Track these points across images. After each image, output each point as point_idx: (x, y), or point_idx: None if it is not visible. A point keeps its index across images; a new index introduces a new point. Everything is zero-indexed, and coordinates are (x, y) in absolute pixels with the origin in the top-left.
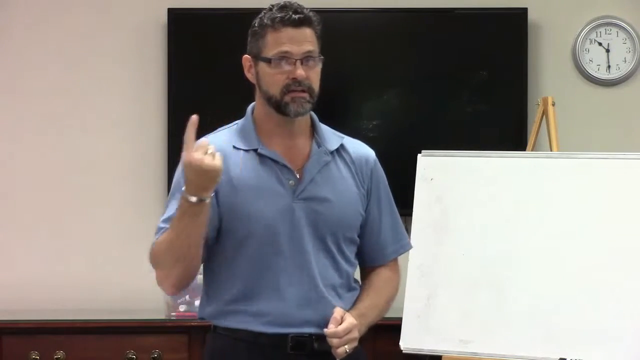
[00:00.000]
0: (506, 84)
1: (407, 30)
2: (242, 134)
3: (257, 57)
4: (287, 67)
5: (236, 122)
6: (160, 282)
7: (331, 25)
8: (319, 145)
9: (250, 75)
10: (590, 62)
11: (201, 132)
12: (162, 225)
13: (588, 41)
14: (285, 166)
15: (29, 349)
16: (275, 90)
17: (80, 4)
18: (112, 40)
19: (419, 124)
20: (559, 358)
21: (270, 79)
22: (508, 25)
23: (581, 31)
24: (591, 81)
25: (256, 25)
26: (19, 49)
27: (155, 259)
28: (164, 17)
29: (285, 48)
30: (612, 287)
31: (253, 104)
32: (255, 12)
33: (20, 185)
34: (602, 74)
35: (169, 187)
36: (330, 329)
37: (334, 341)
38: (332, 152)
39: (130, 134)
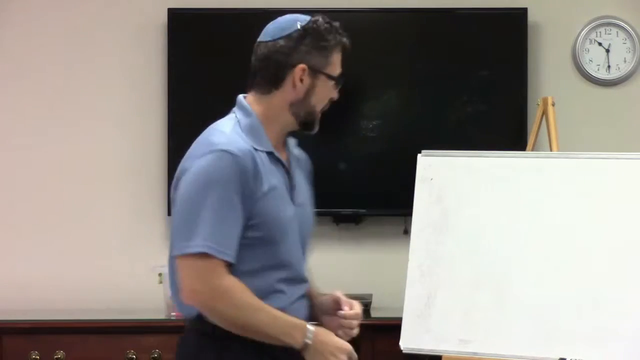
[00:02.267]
0: (506, 84)
1: (407, 30)
2: (252, 134)
3: (318, 71)
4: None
5: (231, 117)
6: (209, 314)
7: None
8: (289, 151)
9: (299, 83)
10: (590, 62)
11: (200, 131)
12: (214, 246)
13: (588, 41)
14: (287, 172)
15: (29, 349)
16: (319, 107)
17: (80, 4)
18: (112, 40)
19: (419, 124)
20: (559, 358)
21: (324, 95)
22: (508, 25)
23: (581, 31)
24: (591, 81)
25: (324, 38)
26: (18, 49)
27: (227, 313)
28: (164, 17)
29: (341, 72)
30: (612, 287)
31: (247, 99)
32: (256, 12)
33: (20, 185)
34: (602, 74)
35: (169, 187)
36: (352, 310)
37: (356, 322)
38: None
39: (130, 134)
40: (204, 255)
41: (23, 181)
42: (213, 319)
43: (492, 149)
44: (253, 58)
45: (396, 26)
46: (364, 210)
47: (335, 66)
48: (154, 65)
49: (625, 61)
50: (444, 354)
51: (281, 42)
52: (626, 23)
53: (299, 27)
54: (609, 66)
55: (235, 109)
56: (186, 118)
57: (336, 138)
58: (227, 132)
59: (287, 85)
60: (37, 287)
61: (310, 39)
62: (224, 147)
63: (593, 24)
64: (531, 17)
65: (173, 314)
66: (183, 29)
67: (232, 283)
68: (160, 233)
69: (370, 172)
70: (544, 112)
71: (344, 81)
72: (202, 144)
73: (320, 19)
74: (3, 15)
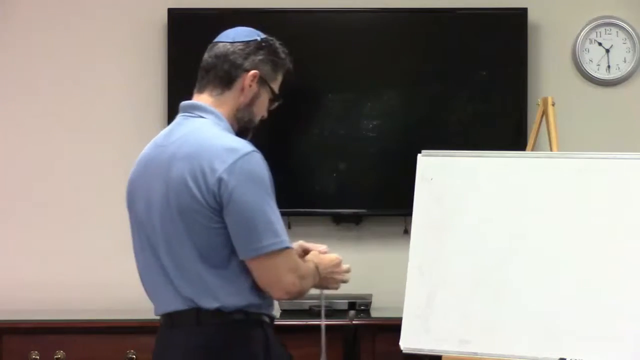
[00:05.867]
0: (506, 84)
1: (407, 30)
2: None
3: (266, 82)
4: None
5: (206, 122)
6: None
7: (332, 25)
8: None
9: (248, 88)
10: (590, 62)
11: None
12: (288, 242)
13: (588, 41)
14: None
15: (29, 349)
16: (258, 118)
17: (80, 4)
18: (112, 40)
19: (419, 124)
20: (559, 358)
21: (263, 107)
22: (508, 25)
23: (581, 31)
24: (591, 81)
25: (279, 55)
26: (18, 49)
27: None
28: (164, 17)
29: (278, 93)
30: (612, 287)
31: (205, 102)
32: (256, 12)
33: (20, 185)
34: (602, 74)
35: None
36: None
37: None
38: None
39: (130, 133)
40: (288, 249)
41: (23, 181)
42: (298, 297)
43: (492, 149)
44: (206, 55)
45: (396, 26)
46: (364, 210)
47: (277, 84)
48: (153, 65)
49: (625, 61)
50: (444, 354)
51: (240, 45)
52: (626, 23)
53: (259, 38)
54: (609, 66)
55: (200, 113)
56: None
57: (336, 138)
58: (227, 134)
59: (237, 88)
60: (37, 287)
61: (266, 51)
62: (252, 148)
63: (593, 24)
64: (531, 17)
65: None
66: (183, 29)
67: (300, 263)
68: None
69: (370, 172)
70: (544, 112)
71: (279, 104)
72: (218, 148)
73: (275, 40)
74: (3, 16)
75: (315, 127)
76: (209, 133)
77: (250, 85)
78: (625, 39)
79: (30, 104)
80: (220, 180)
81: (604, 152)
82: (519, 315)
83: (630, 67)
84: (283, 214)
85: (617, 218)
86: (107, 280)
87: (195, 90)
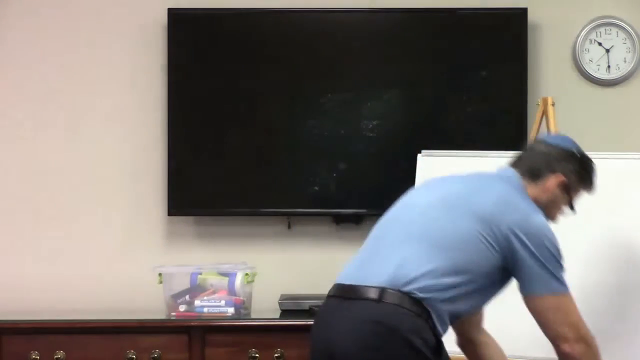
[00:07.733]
0: (506, 84)
1: (407, 30)
2: None
3: (568, 191)
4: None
5: (524, 196)
6: None
7: (331, 25)
8: None
9: (551, 189)
10: (590, 62)
11: (201, 131)
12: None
13: (588, 41)
14: None
15: (29, 349)
16: (550, 218)
17: (80, 4)
18: (112, 40)
19: (419, 124)
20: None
21: (555, 213)
22: (508, 25)
23: (581, 31)
24: (591, 81)
25: (588, 173)
26: (18, 49)
27: None
28: (164, 17)
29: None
30: (612, 287)
31: (519, 179)
32: (256, 12)
33: (20, 185)
34: (602, 74)
35: (169, 186)
36: None
37: None
38: None
39: (130, 134)
40: (561, 296)
41: (23, 181)
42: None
43: (492, 149)
44: (530, 145)
45: (396, 26)
46: (364, 210)
47: (577, 197)
48: (154, 65)
49: (625, 61)
50: None
51: (559, 149)
52: (626, 23)
53: (577, 152)
54: (609, 66)
55: (517, 183)
56: (186, 118)
57: (336, 138)
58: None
59: (541, 185)
60: (37, 287)
61: (579, 164)
62: (539, 210)
63: (593, 24)
64: (531, 17)
65: (173, 314)
66: (183, 29)
67: (580, 319)
68: (160, 233)
69: (370, 172)
70: (544, 112)
71: (574, 212)
72: (519, 201)
73: (592, 161)
74: (2, 16)
75: (315, 127)
76: (514, 190)
77: (554, 188)
78: (625, 39)
79: (29, 104)
80: (511, 234)
81: (604, 152)
82: (519, 315)
83: (630, 67)
84: (283, 214)
85: (617, 218)
86: (107, 280)
87: (511, 163)
